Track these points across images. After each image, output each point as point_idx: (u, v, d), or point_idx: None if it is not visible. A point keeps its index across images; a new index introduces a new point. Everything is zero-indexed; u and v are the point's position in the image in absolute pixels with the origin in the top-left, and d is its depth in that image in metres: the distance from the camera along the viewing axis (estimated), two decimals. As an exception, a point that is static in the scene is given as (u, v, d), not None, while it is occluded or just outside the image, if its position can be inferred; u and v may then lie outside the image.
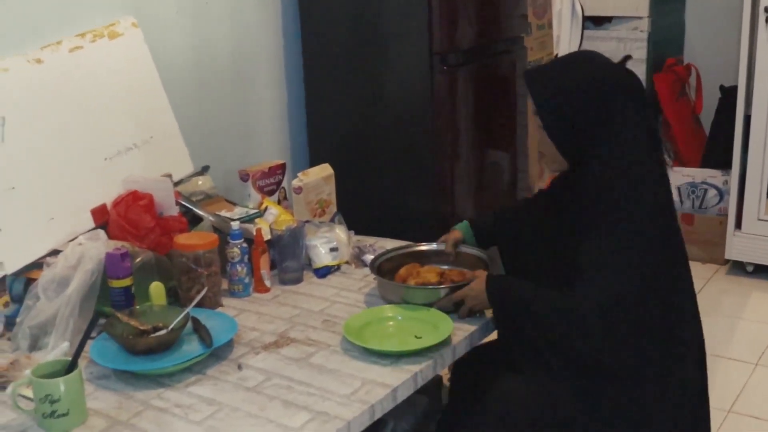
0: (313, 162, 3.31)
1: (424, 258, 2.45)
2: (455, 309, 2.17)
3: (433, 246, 2.48)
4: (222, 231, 2.43)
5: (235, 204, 2.77)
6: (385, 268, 2.38)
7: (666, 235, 2.01)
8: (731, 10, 4.25)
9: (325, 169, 2.91)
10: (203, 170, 2.85)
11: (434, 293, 2.19)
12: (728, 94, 4.28)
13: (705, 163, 4.38)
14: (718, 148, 4.25)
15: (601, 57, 2.10)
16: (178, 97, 2.87)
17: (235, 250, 2.34)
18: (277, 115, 3.42)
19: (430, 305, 2.17)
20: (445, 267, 2.39)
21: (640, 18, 4.22)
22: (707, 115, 4.54)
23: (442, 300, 2.17)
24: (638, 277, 1.93)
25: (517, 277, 2.19)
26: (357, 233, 2.75)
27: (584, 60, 2.12)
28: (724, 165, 4.11)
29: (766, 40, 3.73)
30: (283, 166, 2.99)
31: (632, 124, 2.01)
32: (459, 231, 2.47)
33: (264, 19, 3.29)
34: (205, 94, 3.07)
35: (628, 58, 2.13)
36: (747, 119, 3.89)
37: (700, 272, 3.99)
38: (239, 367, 1.94)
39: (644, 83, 4.10)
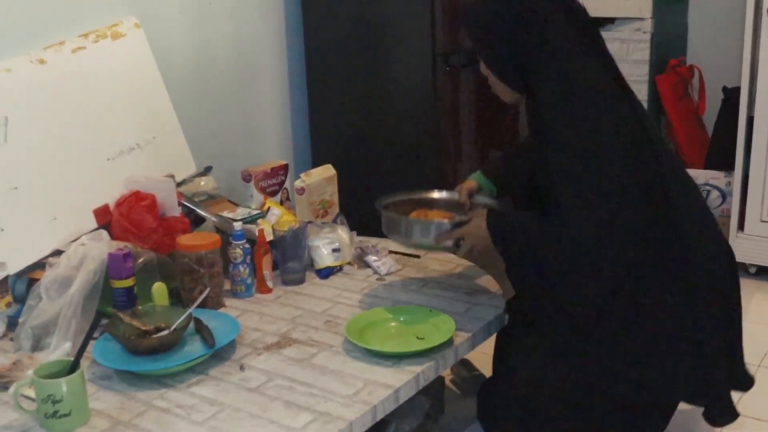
0: (316, 163, 3.31)
1: (434, 206, 2.43)
2: (456, 247, 2.16)
3: (444, 194, 2.47)
4: (224, 232, 2.43)
5: (237, 205, 2.77)
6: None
7: (639, 153, 1.98)
8: (734, 11, 4.24)
9: (327, 170, 2.90)
10: (206, 171, 2.85)
11: (437, 226, 2.18)
12: (731, 96, 4.27)
13: (708, 165, 4.36)
14: (720, 149, 4.23)
15: None
16: (180, 97, 2.87)
17: (238, 250, 2.34)
18: (279, 115, 3.42)
19: (430, 248, 2.19)
20: (455, 215, 2.33)
21: (642, 19, 4.21)
22: (710, 117, 4.52)
23: (442, 236, 2.16)
24: (617, 197, 1.93)
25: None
26: (359, 234, 2.75)
27: None
28: (727, 166, 4.10)
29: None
30: (285, 167, 2.99)
31: (570, 41, 1.99)
32: (473, 180, 2.44)
33: (266, 19, 3.30)
34: (208, 94, 3.07)
35: None
36: (750, 120, 3.87)
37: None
38: (241, 367, 1.93)
39: (647, 84, 4.11)
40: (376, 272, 2.51)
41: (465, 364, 2.73)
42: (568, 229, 1.93)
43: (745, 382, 2.23)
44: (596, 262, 1.94)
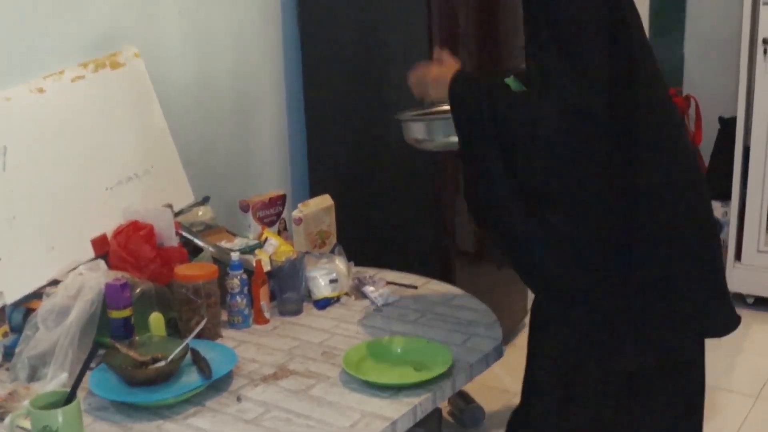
0: (314, 193, 3.31)
1: None
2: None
3: None
4: (222, 262, 2.42)
5: (235, 235, 2.78)
6: None
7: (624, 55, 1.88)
8: (730, 42, 4.27)
9: (325, 200, 2.91)
10: (204, 201, 2.85)
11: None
12: (727, 126, 4.30)
13: (704, 195, 4.38)
14: (717, 179, 4.25)
15: None
16: (179, 126, 2.88)
17: (235, 281, 2.33)
18: (277, 146, 3.43)
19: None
20: None
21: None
22: (707, 147, 4.55)
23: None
24: (595, 90, 1.82)
25: None
26: (357, 264, 2.75)
27: None
28: (724, 196, 4.11)
29: (765, 71, 3.75)
30: (283, 197, 3.00)
31: None
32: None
33: (266, 50, 3.31)
34: (207, 124, 3.08)
35: None
36: (746, 151, 3.90)
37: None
38: (238, 399, 1.93)
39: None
40: (373, 303, 2.50)
41: (462, 395, 2.72)
42: (541, 101, 1.85)
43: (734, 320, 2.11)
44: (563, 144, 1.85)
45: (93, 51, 2.62)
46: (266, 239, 2.73)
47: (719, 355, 3.45)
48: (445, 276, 2.98)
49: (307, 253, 2.64)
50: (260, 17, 3.28)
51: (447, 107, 2.11)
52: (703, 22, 4.67)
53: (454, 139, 2.09)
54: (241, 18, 3.19)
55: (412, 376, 1.99)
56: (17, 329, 2.18)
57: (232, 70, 3.17)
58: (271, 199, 2.95)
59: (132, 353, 1.99)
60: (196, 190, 2.85)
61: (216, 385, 1.97)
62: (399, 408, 1.86)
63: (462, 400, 2.71)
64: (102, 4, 2.66)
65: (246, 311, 2.36)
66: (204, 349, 2.06)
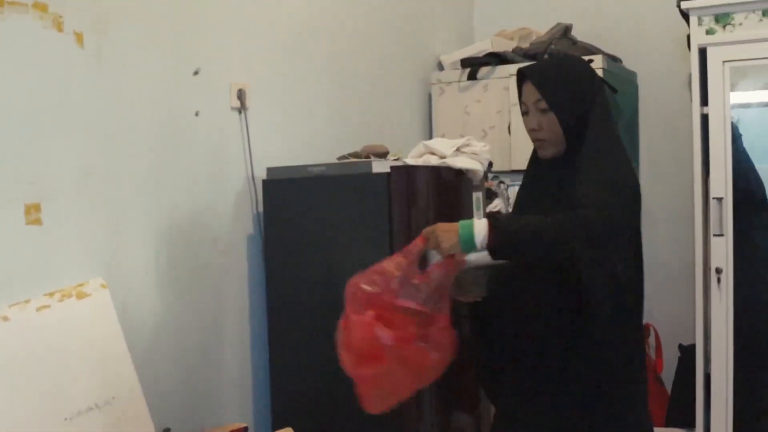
0: (276, 426, 3.27)
1: None
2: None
3: None
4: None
5: (196, 466, 2.71)
6: None
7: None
8: (685, 272, 4.39)
9: (287, 432, 2.87)
10: (164, 432, 2.81)
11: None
12: (687, 353, 4.34)
13: (669, 422, 4.36)
14: (680, 406, 4.24)
15: (585, 60, 2.47)
16: (142, 356, 2.88)
17: None
18: (240, 377, 3.41)
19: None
20: None
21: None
22: (668, 374, 4.57)
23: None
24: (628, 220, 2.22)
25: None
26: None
27: (572, 56, 2.49)
28: (688, 424, 4.09)
29: (720, 300, 3.84)
30: (244, 430, 2.96)
31: (607, 108, 2.35)
32: None
33: (230, 280, 3.37)
34: (170, 354, 3.07)
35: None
36: (707, 377, 3.92)
37: None
38: None
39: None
40: None
41: None
42: (585, 214, 2.09)
43: None
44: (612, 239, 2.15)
45: (60, 280, 2.65)
46: (227, 471, 2.66)
47: None
48: None
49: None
50: (226, 253, 3.35)
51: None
52: (657, 252, 4.81)
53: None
54: (207, 253, 3.26)
55: None
56: None
57: (196, 303, 3.20)
58: None
59: None
60: (158, 420, 2.81)
61: None
62: None
63: None
64: (70, 236, 2.71)
65: None
66: None
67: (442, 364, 2.17)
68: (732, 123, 3.92)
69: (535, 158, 2.45)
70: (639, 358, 2.36)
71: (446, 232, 2.15)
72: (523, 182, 2.52)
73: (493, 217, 2.15)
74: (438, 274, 2.17)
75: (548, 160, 2.36)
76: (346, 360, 2.17)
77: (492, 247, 2.10)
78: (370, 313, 2.12)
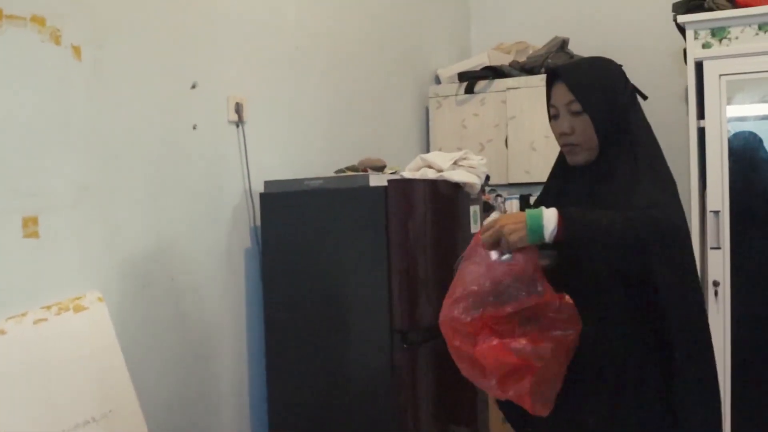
0: (274, 438, 3.26)
1: None
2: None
3: None
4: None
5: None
6: None
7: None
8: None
9: (285, 444, 2.86)
10: (162, 446, 2.80)
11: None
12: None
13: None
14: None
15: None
16: (140, 369, 2.87)
17: None
18: (237, 390, 3.40)
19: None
20: None
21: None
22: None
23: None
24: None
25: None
26: None
27: (604, 58, 2.33)
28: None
29: (717, 312, 3.84)
30: (243, 442, 2.95)
31: (644, 118, 2.29)
32: None
33: (228, 294, 3.36)
34: (168, 367, 3.07)
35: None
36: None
37: None
38: None
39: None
40: None
41: None
42: (648, 212, 2.02)
43: None
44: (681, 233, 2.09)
45: (57, 293, 2.65)
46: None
47: None
48: None
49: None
50: (224, 266, 3.35)
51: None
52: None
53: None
54: (204, 267, 3.26)
55: None
56: None
57: (194, 315, 3.20)
58: (230, 444, 2.90)
59: None
60: (154, 433, 2.80)
61: None
62: None
63: None
64: (67, 249, 2.71)
65: None
66: None
67: (577, 335, 2.07)
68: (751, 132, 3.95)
69: (561, 166, 2.33)
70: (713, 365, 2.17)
71: (514, 223, 1.99)
72: (545, 194, 2.38)
73: (563, 208, 2.01)
74: (520, 263, 2.02)
75: (579, 168, 2.24)
76: (495, 389, 2.10)
77: (563, 239, 1.97)
78: (491, 339, 2.06)
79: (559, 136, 2.24)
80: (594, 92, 2.19)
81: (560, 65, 2.32)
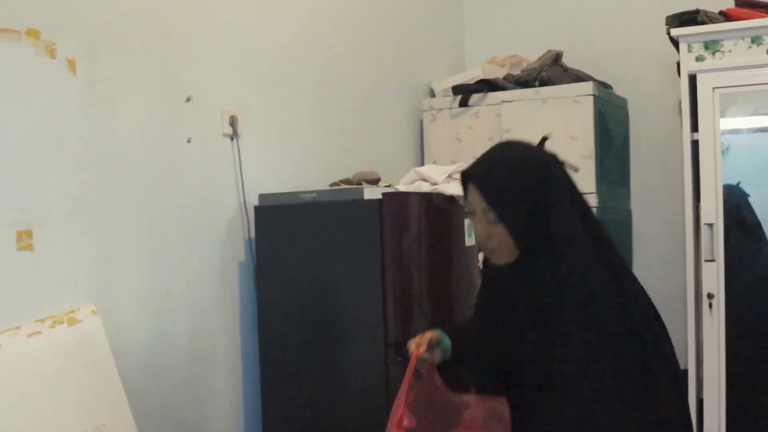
0: (268, 452, 3.25)
1: None
2: None
3: None
4: None
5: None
6: None
7: (634, 340, 2.02)
8: (677, 297, 4.39)
9: (280, 457, 2.85)
10: (155, 459, 2.79)
11: None
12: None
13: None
14: (674, 433, 4.23)
15: (525, 143, 2.18)
16: (134, 382, 2.87)
17: None
18: (232, 404, 3.40)
19: None
20: None
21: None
22: (661, 401, 4.56)
23: None
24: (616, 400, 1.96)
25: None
26: None
27: (517, 150, 2.17)
28: (682, 450, 4.08)
29: (711, 325, 3.84)
30: (237, 456, 2.94)
31: (571, 211, 2.08)
32: (436, 332, 2.32)
33: (222, 309, 3.36)
34: (162, 380, 3.07)
35: (545, 138, 2.18)
36: (700, 403, 3.92)
37: None
38: None
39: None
40: None
41: None
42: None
43: None
44: None
45: (51, 306, 2.64)
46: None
47: None
48: None
49: None
50: (218, 279, 3.35)
51: None
52: (649, 278, 4.81)
53: None
54: (199, 280, 3.26)
55: None
56: None
57: (188, 328, 3.20)
58: (224, 457, 2.89)
59: None
60: (149, 449, 2.79)
61: None
62: None
63: None
64: (61, 262, 2.71)
65: None
66: None
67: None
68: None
69: (486, 266, 2.27)
70: None
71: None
72: (481, 283, 2.34)
73: None
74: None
75: (500, 267, 2.14)
76: None
77: None
78: None
79: (477, 239, 2.17)
80: (511, 202, 2.07)
81: (475, 167, 2.16)
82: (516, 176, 2.07)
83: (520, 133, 4.43)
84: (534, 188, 2.05)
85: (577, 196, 2.14)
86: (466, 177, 2.13)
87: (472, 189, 2.11)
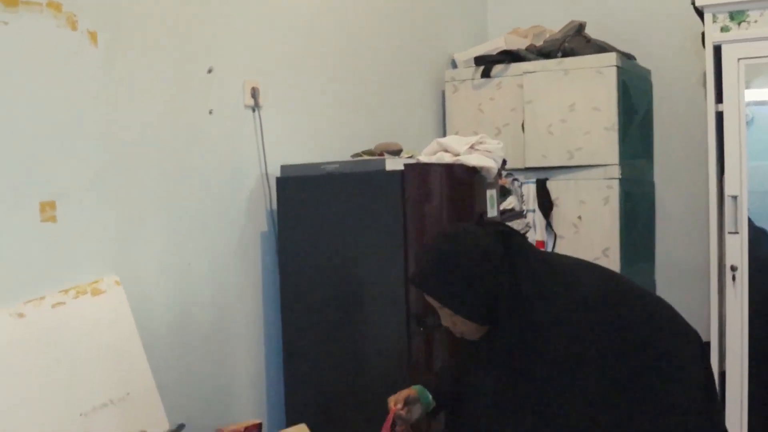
0: (290, 422, 3.28)
1: None
2: None
3: None
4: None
5: (210, 464, 2.72)
6: None
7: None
8: (700, 269, 4.38)
9: (301, 430, 2.87)
10: (179, 428, 2.81)
11: None
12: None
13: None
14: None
15: (455, 231, 2.21)
16: (156, 353, 2.89)
17: None
18: (254, 374, 3.42)
19: None
20: None
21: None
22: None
23: None
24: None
25: None
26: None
27: (448, 243, 2.18)
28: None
29: (735, 297, 3.83)
30: (259, 426, 2.96)
31: (523, 272, 2.09)
32: (413, 389, 2.42)
33: (244, 280, 3.37)
34: (184, 351, 3.08)
35: (481, 216, 2.22)
36: (722, 375, 3.91)
37: None
38: None
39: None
40: None
41: None
42: None
43: None
44: None
45: (74, 277, 2.66)
46: (242, 467, 2.67)
47: None
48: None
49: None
50: (240, 250, 3.36)
51: None
52: (672, 250, 4.81)
53: None
54: (221, 251, 3.26)
55: None
56: None
57: (211, 299, 3.21)
58: (246, 428, 2.91)
59: None
60: (172, 416, 2.81)
61: None
62: None
63: None
64: (84, 233, 2.72)
65: None
66: None
67: None
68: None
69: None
70: None
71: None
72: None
73: None
74: None
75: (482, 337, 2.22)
76: None
77: None
78: None
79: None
80: (457, 296, 2.12)
81: (415, 274, 2.24)
82: (453, 270, 2.12)
83: (542, 105, 4.44)
84: (475, 275, 2.09)
85: (525, 246, 2.19)
86: (413, 285, 2.24)
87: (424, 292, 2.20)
